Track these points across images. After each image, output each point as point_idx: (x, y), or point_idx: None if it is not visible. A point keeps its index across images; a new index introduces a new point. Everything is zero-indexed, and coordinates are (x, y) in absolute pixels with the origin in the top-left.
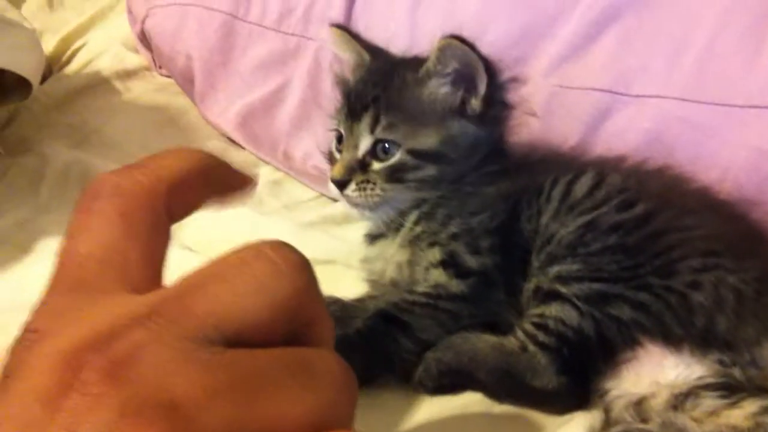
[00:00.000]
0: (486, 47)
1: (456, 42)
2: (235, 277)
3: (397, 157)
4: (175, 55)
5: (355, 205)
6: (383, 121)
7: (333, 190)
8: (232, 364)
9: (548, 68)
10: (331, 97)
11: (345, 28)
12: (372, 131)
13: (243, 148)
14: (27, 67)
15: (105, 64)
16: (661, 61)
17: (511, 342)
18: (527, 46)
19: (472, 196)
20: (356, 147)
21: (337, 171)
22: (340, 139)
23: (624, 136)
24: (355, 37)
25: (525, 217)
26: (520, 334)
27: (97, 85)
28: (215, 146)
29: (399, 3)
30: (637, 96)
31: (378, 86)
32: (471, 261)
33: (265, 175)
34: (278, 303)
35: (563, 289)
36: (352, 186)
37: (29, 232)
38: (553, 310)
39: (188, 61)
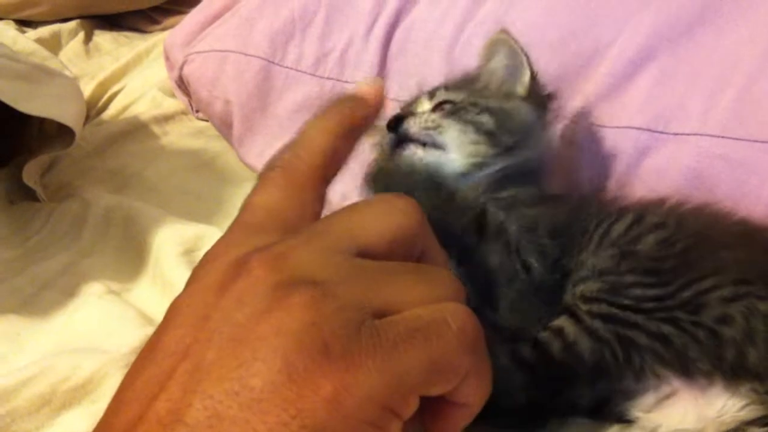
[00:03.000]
0: None
1: (501, 35)
2: (364, 208)
3: (461, 103)
4: (214, 100)
5: (410, 140)
6: (442, 90)
7: (385, 140)
8: (360, 262)
9: (585, 107)
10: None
11: None
12: (431, 98)
13: None
14: (70, 116)
15: (142, 109)
16: (698, 99)
17: (503, 357)
18: (563, 86)
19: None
20: (415, 107)
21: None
22: None
23: (664, 174)
24: None
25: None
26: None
27: (136, 129)
28: (251, 188)
29: (434, 46)
30: (676, 134)
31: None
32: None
33: None
34: (396, 228)
35: (583, 306)
36: (409, 120)
37: (73, 276)
38: (560, 321)
39: (227, 106)
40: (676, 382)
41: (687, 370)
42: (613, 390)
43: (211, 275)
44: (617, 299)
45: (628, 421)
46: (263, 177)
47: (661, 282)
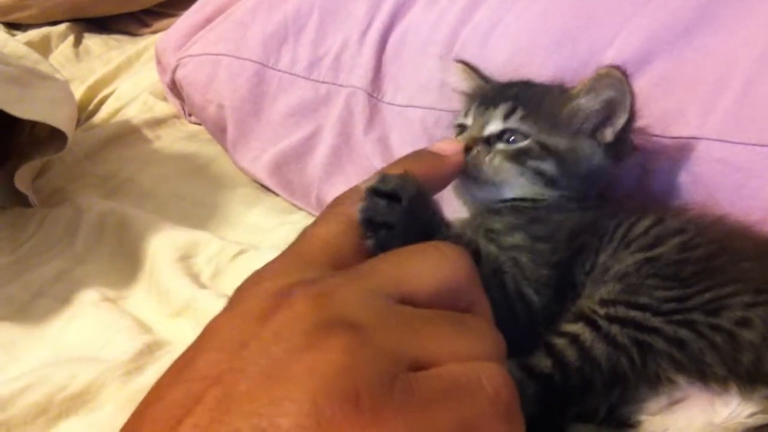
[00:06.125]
0: None
1: (616, 72)
2: (413, 255)
3: (525, 143)
4: (207, 104)
5: (469, 174)
6: (519, 113)
7: None
8: (401, 309)
9: None
10: (362, 143)
11: (467, 63)
12: (505, 119)
13: (276, 194)
14: (62, 120)
15: (134, 113)
16: (697, 103)
17: (515, 371)
18: None
19: (538, 221)
20: (482, 128)
21: (465, 138)
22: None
23: (663, 177)
24: (476, 70)
25: (582, 260)
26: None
27: (128, 134)
28: (246, 193)
29: (429, 50)
30: (674, 138)
31: (520, 86)
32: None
33: (298, 221)
34: (443, 278)
35: (600, 310)
36: (474, 152)
37: (67, 283)
38: (575, 328)
39: (220, 110)
40: (689, 388)
41: (702, 375)
42: (628, 397)
43: (252, 301)
44: (636, 299)
45: (630, 425)
46: (328, 211)
47: (682, 284)
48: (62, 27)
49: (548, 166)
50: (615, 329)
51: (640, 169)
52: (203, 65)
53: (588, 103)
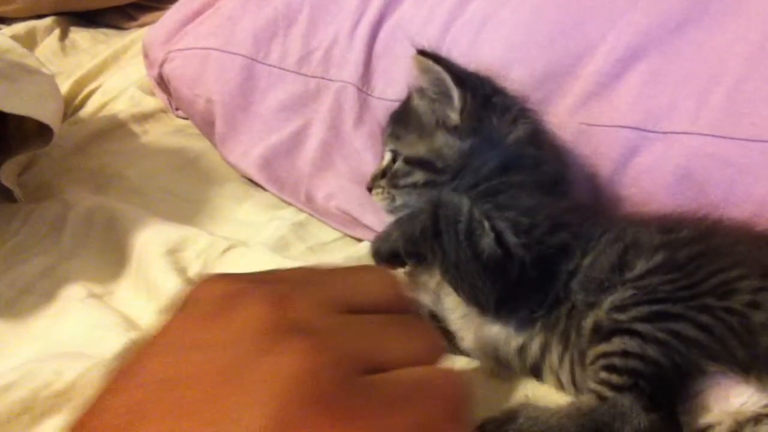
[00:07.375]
0: (511, 86)
1: (420, 57)
2: (356, 271)
3: (396, 164)
4: (195, 98)
5: (381, 208)
6: (394, 134)
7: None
8: (351, 317)
9: (574, 106)
10: (351, 138)
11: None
12: (389, 144)
13: (265, 189)
14: (48, 114)
15: (121, 107)
16: (689, 98)
17: (585, 399)
18: (552, 85)
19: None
20: (382, 159)
21: (368, 181)
22: None
23: (653, 173)
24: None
25: (565, 260)
26: (592, 385)
27: (115, 128)
28: (235, 188)
29: (419, 45)
30: (666, 133)
31: (401, 106)
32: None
33: (288, 216)
34: (382, 295)
35: (621, 317)
36: (374, 191)
37: (53, 279)
38: (615, 344)
39: (208, 105)
40: (713, 378)
41: (729, 361)
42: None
43: (204, 303)
44: (652, 296)
45: None
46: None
47: (686, 274)
48: (48, 20)
49: (416, 177)
50: (647, 328)
51: (629, 164)
52: (191, 60)
53: (419, 97)
